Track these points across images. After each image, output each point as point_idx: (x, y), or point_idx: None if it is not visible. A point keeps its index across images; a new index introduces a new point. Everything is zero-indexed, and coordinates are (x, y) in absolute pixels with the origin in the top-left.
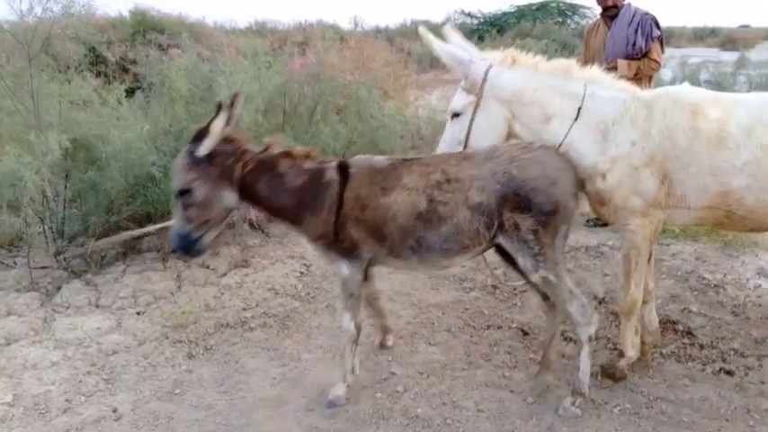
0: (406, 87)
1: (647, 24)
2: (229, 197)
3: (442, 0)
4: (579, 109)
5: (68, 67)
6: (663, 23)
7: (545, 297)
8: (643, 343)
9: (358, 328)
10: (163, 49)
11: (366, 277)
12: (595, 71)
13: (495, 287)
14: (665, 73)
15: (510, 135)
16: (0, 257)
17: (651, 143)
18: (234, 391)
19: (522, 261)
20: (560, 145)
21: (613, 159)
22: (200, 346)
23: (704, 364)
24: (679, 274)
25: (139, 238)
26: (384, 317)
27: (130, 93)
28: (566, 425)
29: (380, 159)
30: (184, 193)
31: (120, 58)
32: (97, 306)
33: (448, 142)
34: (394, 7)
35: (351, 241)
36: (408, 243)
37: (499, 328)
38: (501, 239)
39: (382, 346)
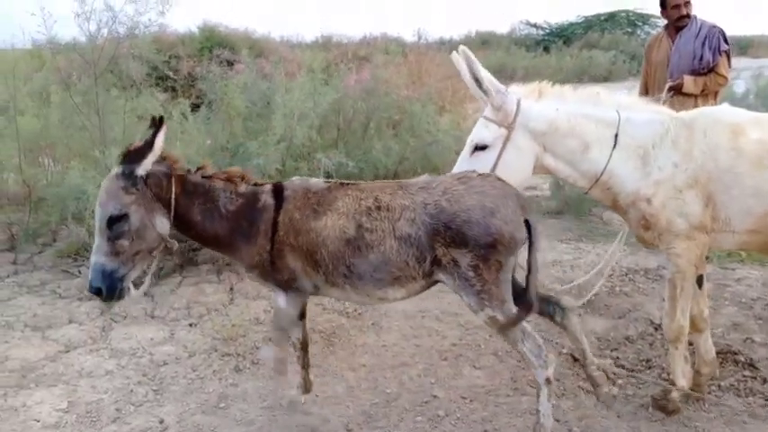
0: (464, 101)
1: (715, 38)
2: (163, 223)
3: (508, 11)
4: (616, 135)
5: (132, 85)
6: (739, 31)
7: (551, 318)
8: (699, 374)
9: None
10: (230, 65)
11: (301, 315)
12: (623, 97)
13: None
14: (738, 85)
15: (535, 171)
16: (66, 266)
17: (694, 164)
18: (277, 407)
19: (465, 300)
20: (602, 173)
21: (657, 183)
22: (248, 359)
23: (767, 400)
24: (743, 300)
25: (196, 249)
26: (308, 369)
27: (196, 108)
28: None
29: (317, 182)
30: (119, 219)
31: (188, 74)
32: (152, 317)
33: None
34: (459, 19)
35: (288, 272)
36: (341, 270)
37: None
38: (440, 276)
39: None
